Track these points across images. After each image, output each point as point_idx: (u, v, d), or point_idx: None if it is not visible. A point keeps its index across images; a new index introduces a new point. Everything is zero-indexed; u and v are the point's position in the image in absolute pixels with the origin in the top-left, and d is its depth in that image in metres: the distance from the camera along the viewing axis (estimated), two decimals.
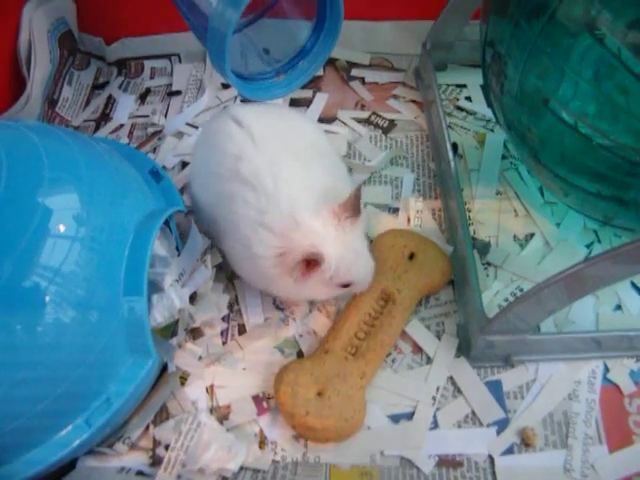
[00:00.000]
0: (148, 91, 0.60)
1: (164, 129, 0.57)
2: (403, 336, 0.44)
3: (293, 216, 0.35)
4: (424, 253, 0.45)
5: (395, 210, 0.51)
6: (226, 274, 0.47)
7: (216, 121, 0.41)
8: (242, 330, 0.45)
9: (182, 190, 0.51)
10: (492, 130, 0.54)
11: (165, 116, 0.58)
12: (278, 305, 0.46)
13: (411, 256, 0.46)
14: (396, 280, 0.44)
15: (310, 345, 0.43)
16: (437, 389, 0.41)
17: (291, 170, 0.37)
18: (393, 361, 0.43)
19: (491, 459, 0.38)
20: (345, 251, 0.36)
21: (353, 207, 0.35)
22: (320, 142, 0.41)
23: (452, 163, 0.49)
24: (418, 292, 0.44)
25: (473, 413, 0.40)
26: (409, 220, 0.50)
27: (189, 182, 0.44)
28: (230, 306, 0.46)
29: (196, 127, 0.57)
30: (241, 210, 0.36)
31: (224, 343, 0.44)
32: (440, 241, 0.48)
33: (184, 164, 0.55)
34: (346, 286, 0.38)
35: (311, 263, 0.35)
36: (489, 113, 0.54)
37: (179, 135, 0.57)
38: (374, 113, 0.57)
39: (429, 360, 0.43)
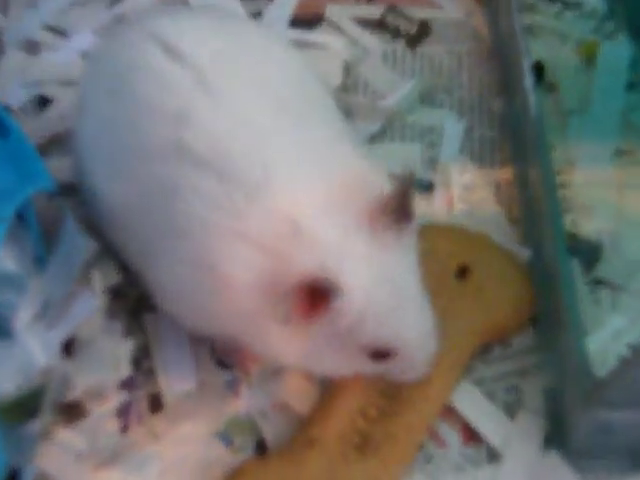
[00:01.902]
0: None
1: (2, 36, 0.57)
2: (447, 414, 0.44)
3: (292, 218, 0.36)
4: (485, 267, 0.46)
5: (428, 186, 0.51)
6: (128, 305, 0.47)
7: (126, 45, 0.42)
8: (157, 405, 0.45)
9: (45, 149, 0.51)
10: (610, 38, 0.55)
11: (3, 14, 0.59)
12: (220, 360, 0.46)
13: (462, 272, 0.46)
14: (438, 315, 0.42)
15: (280, 430, 0.44)
16: None
17: (284, 138, 0.38)
18: (429, 460, 0.43)
19: None
20: (381, 284, 0.36)
21: (401, 208, 0.36)
22: (309, 81, 0.43)
23: (533, 99, 0.48)
24: (474, 337, 0.44)
25: None
26: (452, 204, 0.50)
27: (74, 148, 0.45)
28: (136, 362, 0.46)
29: (62, 33, 0.57)
30: (195, 210, 0.37)
31: (124, 429, 0.44)
32: (510, 243, 0.47)
33: (44, 101, 0.55)
34: (381, 356, 0.38)
35: (318, 297, 0.35)
36: (604, 6, 0.56)
37: (31, 47, 0.56)
38: (392, 9, 0.58)
39: (493, 457, 0.43)
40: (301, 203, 0.36)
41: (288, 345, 0.38)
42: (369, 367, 0.39)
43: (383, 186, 0.37)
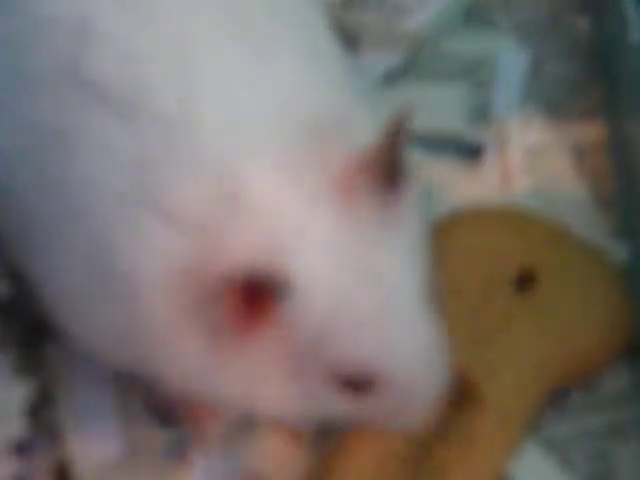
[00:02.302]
0: None
1: None
2: None
3: (225, 180, 0.34)
4: (558, 274, 0.44)
5: (475, 151, 0.48)
6: (21, 330, 0.45)
7: None
8: (65, 475, 0.42)
9: None
10: None
11: None
12: (160, 411, 0.44)
13: (524, 281, 0.43)
14: (484, 345, 0.42)
15: None
16: None
17: (224, 64, 0.37)
18: None
19: None
20: (358, 280, 0.34)
21: (388, 170, 0.34)
22: None
23: (636, 17, 0.45)
24: (541, 377, 0.42)
25: None
26: (510, 177, 0.48)
27: None
28: (34, 414, 0.42)
29: None
30: (91, 169, 0.36)
31: None
32: (598, 237, 0.46)
33: None
34: (357, 387, 0.36)
35: (262, 298, 0.33)
36: None
37: None
38: None
39: None
40: (240, 158, 0.34)
41: (217, 373, 0.36)
42: (340, 405, 0.36)
43: (368, 139, 0.35)
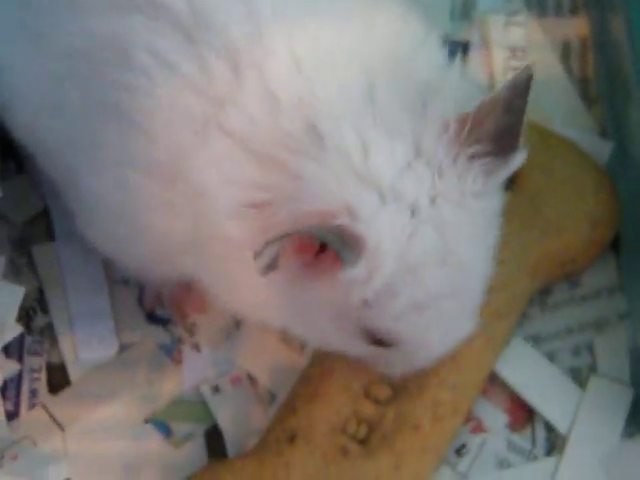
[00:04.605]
0: None
1: None
2: (489, 385, 0.42)
3: (305, 114, 0.33)
4: (544, 171, 0.44)
5: (460, 47, 0.48)
6: (14, 233, 0.45)
7: None
8: (59, 380, 0.43)
9: None
10: None
11: None
12: (152, 313, 0.45)
13: (511, 179, 0.41)
14: None
15: (240, 415, 0.43)
16: None
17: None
18: (462, 451, 0.41)
19: None
20: (434, 258, 0.33)
21: (504, 133, 0.33)
22: None
23: None
24: (528, 273, 0.43)
25: None
26: (494, 73, 0.48)
27: None
28: (27, 317, 0.43)
29: None
30: (148, 84, 0.35)
31: (13, 416, 0.43)
32: (584, 134, 0.46)
33: None
34: (381, 344, 0.36)
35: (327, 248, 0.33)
36: None
37: None
38: None
39: (554, 445, 0.41)
40: (321, 92, 0.34)
41: (261, 296, 0.36)
42: (357, 348, 0.37)
43: (473, 93, 0.34)
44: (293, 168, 0.33)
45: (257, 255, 0.32)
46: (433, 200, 0.33)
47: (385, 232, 0.32)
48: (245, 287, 0.37)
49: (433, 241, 0.33)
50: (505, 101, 0.33)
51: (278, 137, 0.34)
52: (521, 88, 0.33)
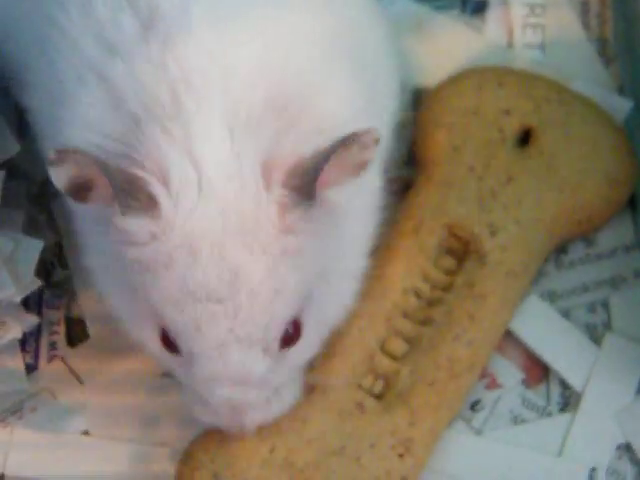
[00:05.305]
0: None
1: None
2: (503, 342, 0.42)
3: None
4: (559, 129, 0.43)
5: (479, 6, 0.47)
6: (32, 189, 0.45)
7: None
8: (79, 333, 0.43)
9: None
10: None
11: None
12: None
13: (524, 137, 0.44)
14: (487, 203, 0.42)
15: None
16: (590, 479, 0.40)
17: None
18: (476, 407, 0.41)
19: None
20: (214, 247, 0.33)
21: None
22: None
23: None
24: (543, 231, 0.42)
25: None
26: (512, 33, 0.47)
27: None
28: (46, 271, 0.44)
29: None
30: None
31: (31, 368, 0.43)
32: (601, 92, 0.45)
33: None
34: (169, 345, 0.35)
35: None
36: None
37: None
38: None
39: (568, 401, 0.41)
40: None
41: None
42: (152, 347, 0.36)
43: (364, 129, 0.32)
44: (144, 128, 0.33)
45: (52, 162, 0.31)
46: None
47: (184, 210, 0.32)
48: None
49: (215, 233, 0.32)
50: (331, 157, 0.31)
51: (145, 96, 0.33)
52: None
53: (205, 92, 0.33)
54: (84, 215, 0.36)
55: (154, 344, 0.36)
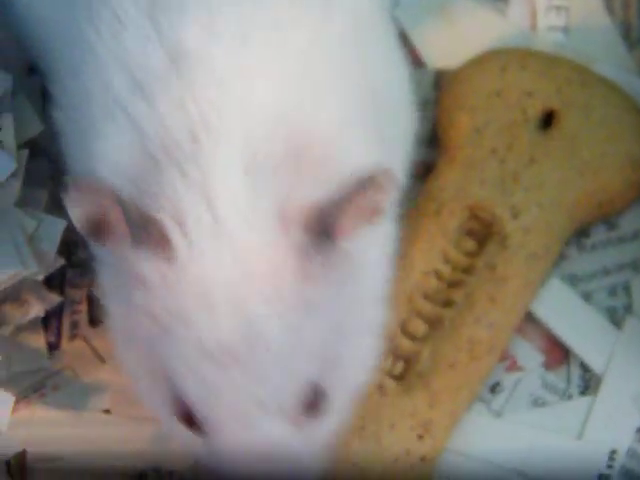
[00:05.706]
0: None
1: None
2: (524, 325, 0.42)
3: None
4: (582, 112, 0.43)
5: None
6: (56, 166, 0.45)
7: None
8: (101, 312, 0.40)
9: None
10: None
11: None
12: None
13: (547, 120, 0.43)
14: (509, 185, 0.42)
15: None
16: (610, 461, 0.40)
17: None
18: (495, 389, 0.41)
19: None
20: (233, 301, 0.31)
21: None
22: None
23: None
24: (565, 214, 0.42)
25: None
26: (536, 17, 0.47)
27: None
28: (68, 250, 0.43)
29: None
30: None
31: (53, 346, 0.43)
32: (625, 75, 0.45)
33: None
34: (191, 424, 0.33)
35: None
36: None
37: None
38: None
39: (589, 384, 0.41)
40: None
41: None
42: (166, 421, 0.34)
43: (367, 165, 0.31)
44: (162, 169, 0.32)
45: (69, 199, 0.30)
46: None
47: (199, 254, 0.31)
48: None
49: (233, 287, 0.31)
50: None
51: (165, 137, 0.33)
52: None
53: (224, 135, 0.32)
54: (102, 259, 0.35)
55: (167, 421, 0.34)
